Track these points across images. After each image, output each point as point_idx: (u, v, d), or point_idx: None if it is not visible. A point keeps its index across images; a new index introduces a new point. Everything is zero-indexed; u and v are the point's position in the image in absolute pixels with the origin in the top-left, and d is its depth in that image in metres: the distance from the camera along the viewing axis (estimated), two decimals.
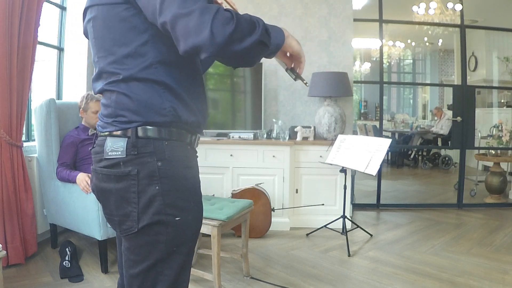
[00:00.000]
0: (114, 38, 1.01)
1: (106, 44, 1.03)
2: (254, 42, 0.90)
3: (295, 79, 1.12)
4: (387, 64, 8.82)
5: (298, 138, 3.62)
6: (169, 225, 1.02)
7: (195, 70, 1.11)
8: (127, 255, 1.07)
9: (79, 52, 3.57)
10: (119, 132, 1.03)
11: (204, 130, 3.66)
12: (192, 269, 2.38)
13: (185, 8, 0.87)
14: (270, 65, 3.92)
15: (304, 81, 1.13)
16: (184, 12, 0.87)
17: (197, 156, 1.17)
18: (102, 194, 1.09)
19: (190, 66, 1.09)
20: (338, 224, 3.37)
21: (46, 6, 3.00)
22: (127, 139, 1.01)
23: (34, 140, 3.13)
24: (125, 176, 1.01)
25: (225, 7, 0.93)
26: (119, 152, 1.01)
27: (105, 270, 2.53)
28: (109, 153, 1.03)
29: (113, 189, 1.04)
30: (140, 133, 1.01)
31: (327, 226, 3.40)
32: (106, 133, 1.05)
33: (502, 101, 6.86)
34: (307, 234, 3.40)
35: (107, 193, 1.06)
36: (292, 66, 1.11)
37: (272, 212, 3.33)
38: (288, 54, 1.10)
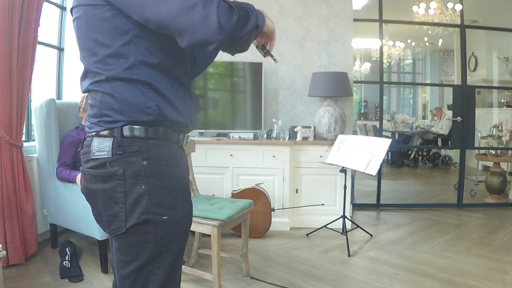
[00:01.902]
0: (96, 38, 1.00)
1: (88, 44, 1.03)
2: (252, 27, 0.96)
3: (264, 56, 1.15)
4: (387, 64, 8.82)
5: (298, 138, 3.62)
6: (157, 224, 1.02)
7: (180, 71, 1.10)
8: (118, 255, 1.07)
9: (79, 52, 3.57)
10: (105, 132, 1.03)
11: (204, 130, 3.69)
12: (192, 269, 2.39)
13: (186, 2, 0.89)
14: (270, 65, 3.92)
15: (274, 58, 1.15)
16: (186, 6, 0.89)
17: (185, 155, 1.16)
18: (90, 195, 1.08)
19: (174, 68, 1.08)
20: (338, 224, 3.37)
21: (46, 6, 3.00)
22: (112, 138, 1.01)
23: (34, 140, 3.13)
24: (111, 176, 1.01)
25: None
26: (105, 152, 1.01)
27: (105, 270, 2.53)
28: (95, 153, 1.02)
29: (100, 189, 1.03)
30: (126, 133, 1.01)
31: (327, 226, 3.40)
32: (93, 133, 1.05)
33: (502, 101, 6.86)
34: (307, 234, 3.40)
35: (95, 194, 1.06)
36: (263, 43, 1.13)
37: (272, 212, 3.33)
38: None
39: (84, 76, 1.09)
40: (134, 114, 1.01)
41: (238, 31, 0.92)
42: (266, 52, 1.13)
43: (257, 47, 1.13)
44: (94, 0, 0.98)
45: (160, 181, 1.03)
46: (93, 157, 1.03)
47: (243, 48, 1.00)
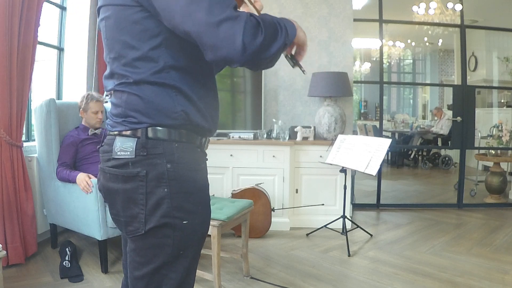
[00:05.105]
0: (125, 40, 0.99)
1: (117, 46, 1.01)
2: (279, 47, 0.93)
3: (293, 66, 1.11)
4: (387, 64, 8.82)
5: (298, 138, 3.62)
6: (176, 228, 1.01)
7: (208, 74, 1.09)
8: (132, 256, 1.05)
9: (79, 52, 3.57)
10: (128, 132, 1.01)
11: None
12: None
13: (213, 16, 0.86)
14: None
15: (302, 69, 1.11)
16: (213, 21, 0.86)
17: (206, 159, 1.15)
18: (109, 194, 1.07)
19: (203, 71, 1.07)
20: (338, 224, 3.37)
21: (46, 6, 3.00)
22: (136, 139, 1.00)
23: (34, 140, 3.13)
24: (133, 177, 1.00)
25: (247, 10, 0.92)
26: (128, 153, 1.00)
27: (105, 270, 2.53)
28: (118, 153, 1.01)
29: (120, 189, 1.02)
30: (150, 134, 1.00)
31: (327, 226, 3.40)
32: (116, 133, 1.04)
33: (502, 101, 6.86)
34: (307, 234, 3.40)
35: (114, 193, 1.05)
36: (292, 53, 1.10)
37: (272, 212, 3.33)
38: None
39: (109, 77, 1.07)
40: (159, 118, 1.00)
41: (263, 52, 0.89)
42: (295, 63, 1.09)
43: (286, 56, 1.09)
44: (124, 0, 0.97)
45: (182, 185, 1.01)
46: (115, 157, 1.02)
47: (269, 66, 0.98)
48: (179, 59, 1.00)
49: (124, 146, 1.01)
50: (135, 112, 1.01)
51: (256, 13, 1.09)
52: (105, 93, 1.14)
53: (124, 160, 1.01)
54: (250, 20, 0.87)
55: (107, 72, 1.08)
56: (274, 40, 0.91)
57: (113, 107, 1.07)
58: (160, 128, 1.00)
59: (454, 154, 6.97)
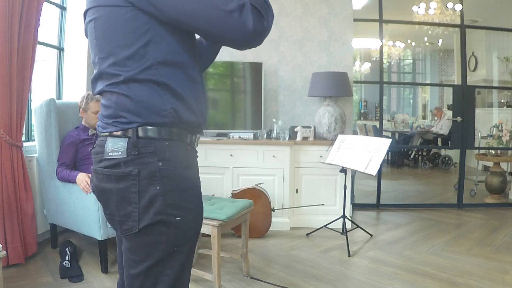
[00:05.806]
0: (117, 39, 1.00)
1: (108, 46, 1.02)
2: (272, 21, 1.03)
3: None
4: (387, 64, 8.82)
5: (298, 138, 3.62)
6: (170, 225, 1.02)
7: (195, 69, 1.11)
8: (128, 255, 1.07)
9: (79, 52, 3.57)
10: (119, 133, 1.03)
11: (204, 130, 3.68)
12: (192, 269, 2.38)
13: (225, 5, 0.93)
14: (270, 65, 3.92)
15: None
16: (227, 10, 0.93)
17: (197, 156, 1.17)
18: (102, 194, 1.08)
19: (191, 66, 1.08)
20: (338, 224, 3.37)
21: (46, 6, 3.00)
22: (127, 139, 1.01)
23: (34, 140, 3.13)
24: (125, 176, 1.01)
25: None
26: (120, 153, 1.01)
27: (105, 270, 2.53)
28: (109, 154, 1.03)
29: (113, 189, 1.03)
30: (140, 133, 1.01)
31: (327, 226, 3.40)
32: (107, 134, 1.05)
33: (502, 101, 6.86)
34: (307, 234, 3.40)
35: (108, 193, 1.06)
36: None
37: (272, 212, 3.33)
38: None
39: (97, 78, 1.08)
40: (150, 116, 1.01)
41: (268, 32, 1.00)
42: None
43: None
44: (117, 1, 0.98)
45: (174, 182, 1.03)
46: (107, 157, 1.03)
47: None
48: (167, 54, 1.01)
49: (115, 147, 1.02)
50: (126, 112, 1.02)
51: None
52: None
53: (116, 160, 1.02)
54: (252, 7, 0.95)
55: (94, 74, 1.09)
56: (269, 18, 1.01)
57: (103, 109, 1.08)
58: (150, 127, 1.02)
59: (454, 154, 6.97)
